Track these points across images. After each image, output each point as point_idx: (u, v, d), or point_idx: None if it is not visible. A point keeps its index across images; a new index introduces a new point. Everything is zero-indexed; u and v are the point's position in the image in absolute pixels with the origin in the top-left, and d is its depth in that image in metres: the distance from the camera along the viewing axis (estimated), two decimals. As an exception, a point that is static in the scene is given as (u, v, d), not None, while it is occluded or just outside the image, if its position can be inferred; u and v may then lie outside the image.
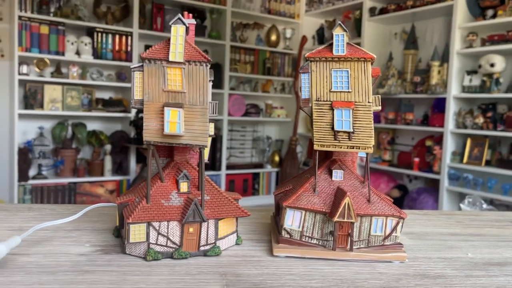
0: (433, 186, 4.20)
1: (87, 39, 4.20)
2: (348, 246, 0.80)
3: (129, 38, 4.41)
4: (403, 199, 4.36)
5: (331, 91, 0.81)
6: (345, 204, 0.76)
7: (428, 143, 4.22)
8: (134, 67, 0.76)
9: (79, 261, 0.72)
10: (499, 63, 3.59)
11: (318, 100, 0.82)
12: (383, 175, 4.62)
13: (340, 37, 0.80)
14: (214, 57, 5.12)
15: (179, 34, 0.75)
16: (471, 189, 3.74)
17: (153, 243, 0.75)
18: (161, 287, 0.64)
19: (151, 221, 0.74)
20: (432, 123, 4.07)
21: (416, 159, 4.23)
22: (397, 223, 0.81)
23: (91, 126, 4.45)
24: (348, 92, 0.80)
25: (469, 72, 3.83)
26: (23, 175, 4.00)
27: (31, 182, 4.06)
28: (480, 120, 3.71)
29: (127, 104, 4.46)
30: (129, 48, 4.42)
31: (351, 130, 0.79)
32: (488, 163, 3.77)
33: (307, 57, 0.82)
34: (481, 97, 3.71)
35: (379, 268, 0.75)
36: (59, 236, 0.84)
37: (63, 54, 4.12)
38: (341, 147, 0.80)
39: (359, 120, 0.80)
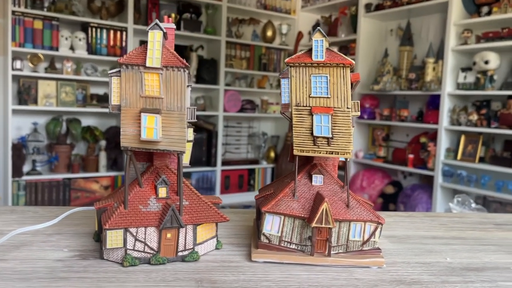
0: (427, 183, 4.21)
1: (81, 34, 4.18)
2: (326, 252, 0.80)
3: (124, 33, 4.39)
4: (397, 196, 4.37)
5: (311, 97, 0.81)
6: (323, 209, 0.77)
7: (423, 139, 4.23)
8: (112, 72, 0.75)
9: (55, 267, 0.72)
10: (494, 60, 3.58)
11: (298, 105, 0.82)
12: (377, 172, 4.62)
13: (319, 42, 0.79)
14: (209, 53, 5.10)
15: (156, 39, 0.74)
16: (465, 185, 3.75)
17: (130, 249, 0.75)
18: (134, 295, 0.64)
19: (128, 227, 0.74)
20: (427, 119, 4.08)
21: (411, 156, 4.23)
22: (376, 229, 0.81)
23: (85, 121, 4.43)
24: (327, 97, 0.80)
25: (464, 69, 3.83)
26: (17, 171, 4.00)
27: (25, 178, 4.06)
28: (474, 117, 3.71)
29: (121, 99, 4.45)
30: (124, 44, 4.40)
31: (330, 135, 0.79)
32: (481, 160, 3.78)
33: (287, 62, 0.82)
34: (475, 94, 3.71)
35: (356, 274, 0.76)
36: (38, 240, 0.84)
37: (57, 49, 4.10)
38: (320, 153, 0.80)
39: (338, 126, 0.80)
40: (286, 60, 0.82)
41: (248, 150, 5.52)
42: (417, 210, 4.08)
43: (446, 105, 3.85)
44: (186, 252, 0.78)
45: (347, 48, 4.76)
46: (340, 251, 0.81)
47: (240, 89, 5.16)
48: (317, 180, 0.84)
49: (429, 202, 4.05)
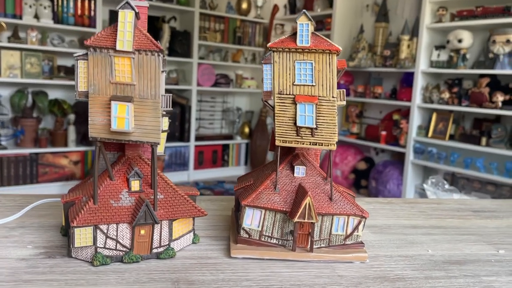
0: (399, 159, 4.27)
1: (46, 2, 3.95)
2: (309, 246, 0.77)
3: (92, 2, 4.19)
4: (369, 172, 4.43)
5: (295, 84, 0.76)
6: (306, 204, 0.73)
7: (396, 117, 4.26)
8: (78, 55, 0.69)
9: (18, 268, 0.66)
10: (467, 39, 3.60)
11: (281, 93, 0.77)
12: (350, 148, 4.66)
13: (304, 26, 0.74)
14: (182, 25, 4.94)
15: (128, 20, 0.67)
16: (435, 162, 3.82)
17: (101, 247, 0.70)
18: (106, 300, 0.59)
19: (98, 224, 0.69)
20: (400, 97, 4.10)
21: (383, 133, 4.27)
22: (359, 222, 0.79)
23: (53, 94, 4.25)
24: (312, 85, 0.76)
25: (438, 47, 3.84)
26: (-20, 146, 3.82)
27: (-11, 153, 3.89)
28: (446, 95, 3.75)
29: (90, 72, 4.27)
30: (92, 13, 4.19)
31: (314, 126, 0.75)
32: (451, 137, 3.84)
33: (270, 47, 0.76)
34: (448, 72, 3.74)
35: (339, 270, 0.73)
36: (-1, 235, 0.78)
37: (20, 17, 3.87)
38: (303, 143, 0.77)
39: (323, 116, 0.75)
40: (269, 44, 0.76)
41: (222, 125, 5.45)
42: (388, 186, 4.15)
43: (419, 83, 3.87)
44: (161, 249, 0.74)
45: (323, 23, 4.70)
46: (322, 245, 0.79)
47: (214, 63, 5.04)
48: (300, 171, 0.81)
49: (400, 179, 4.12)
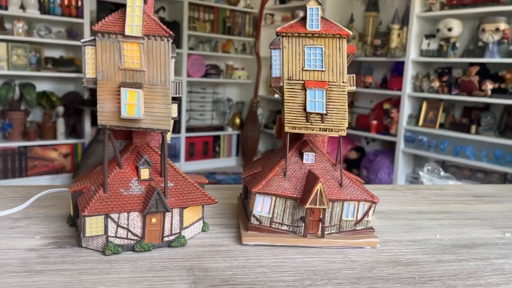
0: (390, 148, 4.30)
1: (32, -8, 3.87)
2: (319, 232, 0.77)
3: (79, -8, 4.11)
4: (360, 161, 4.46)
5: (304, 70, 0.76)
6: (317, 190, 0.73)
7: (386, 106, 4.28)
8: (85, 41, 0.67)
9: (28, 258, 0.65)
10: (457, 27, 3.62)
11: (290, 79, 0.76)
12: (341, 137, 4.67)
13: (314, 11, 0.73)
14: (171, 15, 4.89)
15: (136, 4, 0.66)
16: (425, 151, 3.85)
17: (112, 236, 0.69)
18: (122, 289, 0.58)
19: (109, 213, 0.68)
20: (391, 86, 4.12)
21: (374, 122, 4.29)
22: (369, 208, 0.79)
23: (41, 86, 4.18)
24: (322, 71, 0.75)
25: (428, 36, 3.86)
26: (-33, 140, 3.75)
27: (-24, 146, 3.82)
28: (436, 84, 3.77)
29: (79, 63, 4.21)
30: (79, 3, 4.12)
31: (324, 112, 0.75)
32: (441, 126, 3.87)
33: (279, 32, 0.75)
34: (438, 61, 3.76)
35: (352, 255, 0.73)
36: (4, 226, 0.76)
37: (6, 8, 3.79)
38: (313, 130, 0.76)
39: (333, 101, 0.75)
40: (278, 29, 0.75)
41: (213, 116, 5.42)
42: (379, 175, 4.18)
43: (409, 72, 3.89)
44: (172, 237, 0.73)
45: (313, 12, 4.68)
46: (332, 231, 0.79)
47: (204, 53, 5.00)
48: (309, 158, 0.80)
49: (391, 167, 4.15)
